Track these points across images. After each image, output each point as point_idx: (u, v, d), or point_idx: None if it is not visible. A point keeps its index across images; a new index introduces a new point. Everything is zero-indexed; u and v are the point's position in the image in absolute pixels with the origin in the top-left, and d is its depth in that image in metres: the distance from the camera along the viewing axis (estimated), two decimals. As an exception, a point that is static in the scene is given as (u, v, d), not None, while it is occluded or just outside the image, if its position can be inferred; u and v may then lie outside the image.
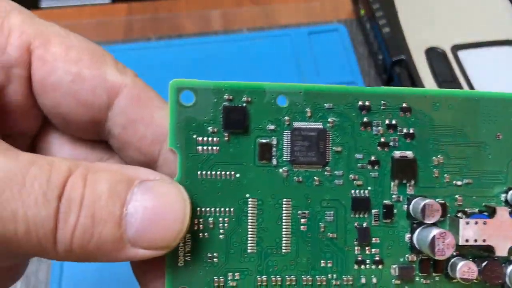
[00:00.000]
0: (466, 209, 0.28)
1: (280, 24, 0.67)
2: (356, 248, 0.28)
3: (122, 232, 0.23)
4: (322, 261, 0.28)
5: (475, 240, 0.27)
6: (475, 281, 0.28)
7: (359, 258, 0.28)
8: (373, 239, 0.28)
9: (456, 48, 0.57)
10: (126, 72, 0.27)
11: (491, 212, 0.28)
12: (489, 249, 0.28)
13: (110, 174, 0.23)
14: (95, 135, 0.28)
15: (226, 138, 0.27)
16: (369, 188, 0.28)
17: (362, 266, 0.28)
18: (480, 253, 0.28)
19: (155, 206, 0.23)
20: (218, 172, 0.27)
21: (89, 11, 0.69)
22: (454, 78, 0.54)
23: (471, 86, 0.51)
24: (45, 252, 0.22)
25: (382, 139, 0.28)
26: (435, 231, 0.26)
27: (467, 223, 0.27)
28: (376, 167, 0.28)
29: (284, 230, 0.27)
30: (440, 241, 0.26)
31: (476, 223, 0.27)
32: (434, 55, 0.56)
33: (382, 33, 0.58)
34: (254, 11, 0.69)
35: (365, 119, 0.28)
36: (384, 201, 0.28)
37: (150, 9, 0.69)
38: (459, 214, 0.28)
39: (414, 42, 0.57)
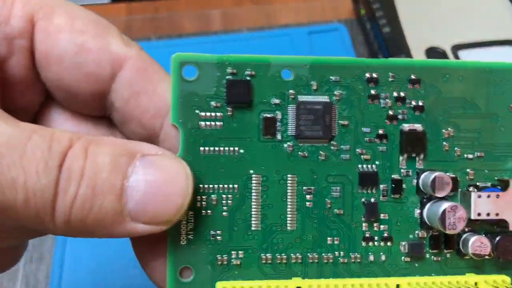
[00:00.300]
0: (478, 183, 0.27)
1: (280, 24, 0.67)
2: (363, 224, 0.27)
3: (122, 205, 0.22)
4: (328, 238, 0.27)
5: (488, 214, 0.26)
6: (487, 257, 0.27)
7: (367, 235, 0.27)
8: (381, 215, 0.27)
9: (456, 48, 0.56)
10: (131, 44, 0.26)
11: (504, 186, 0.27)
12: (502, 224, 0.27)
13: (111, 147, 0.23)
14: (98, 109, 0.27)
15: (229, 113, 0.26)
16: (377, 162, 0.27)
17: (370, 243, 0.27)
18: (493, 228, 0.27)
19: (157, 180, 0.23)
20: (222, 148, 0.26)
21: None
22: (455, 78, 0.54)
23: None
24: (43, 223, 0.22)
25: (390, 112, 0.27)
26: (445, 204, 0.25)
27: (479, 196, 0.26)
28: (384, 141, 0.27)
29: (289, 206, 0.27)
30: (451, 214, 0.25)
31: (489, 196, 0.26)
32: (434, 55, 0.55)
33: (382, 33, 0.58)
34: (254, 10, 0.68)
35: (372, 92, 0.27)
36: (393, 176, 0.27)
37: (149, 9, 0.68)
38: (471, 189, 0.27)
39: (414, 42, 0.57)
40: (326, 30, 0.64)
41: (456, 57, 0.55)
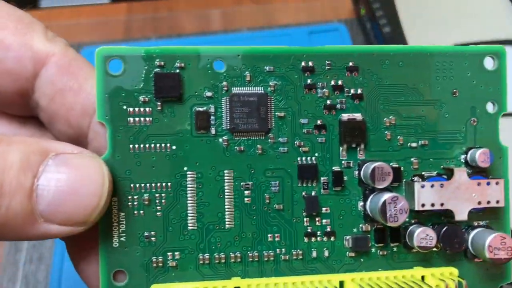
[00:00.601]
0: (423, 173, 0.26)
1: (280, 24, 0.66)
2: (305, 219, 0.26)
3: (33, 205, 0.21)
4: (269, 235, 0.26)
5: (432, 205, 0.25)
6: (435, 249, 0.26)
7: (309, 230, 0.26)
8: (323, 208, 0.26)
9: (456, 48, 0.56)
10: (56, 40, 0.25)
11: (450, 174, 0.26)
12: (449, 214, 0.26)
13: (24, 145, 0.21)
14: (24, 109, 0.26)
15: (159, 108, 0.25)
16: (316, 154, 0.26)
17: (313, 239, 0.26)
18: (441, 219, 0.26)
19: (70, 179, 0.21)
20: (152, 145, 0.25)
21: (88, 11, 0.67)
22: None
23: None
24: None
25: (328, 102, 0.26)
26: (386, 196, 0.24)
27: (423, 186, 0.25)
28: (323, 132, 0.26)
29: (226, 203, 0.25)
30: (392, 206, 0.24)
31: (432, 186, 0.25)
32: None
33: (383, 32, 0.58)
34: (254, 10, 0.68)
35: (309, 81, 0.26)
36: (333, 168, 0.26)
37: (149, 8, 0.68)
38: (415, 178, 0.26)
39: (414, 41, 0.56)
40: (326, 30, 0.63)
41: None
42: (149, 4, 0.67)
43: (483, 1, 0.59)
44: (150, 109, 0.25)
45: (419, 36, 0.57)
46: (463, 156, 0.27)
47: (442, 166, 0.27)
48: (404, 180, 0.26)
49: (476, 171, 0.26)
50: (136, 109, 0.25)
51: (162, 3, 0.68)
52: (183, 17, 0.67)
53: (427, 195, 0.25)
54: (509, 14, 0.58)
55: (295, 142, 0.26)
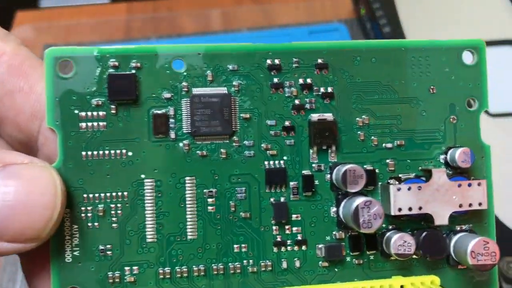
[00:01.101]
0: (399, 175, 0.25)
1: (280, 24, 0.66)
2: (273, 227, 0.24)
3: None
4: (235, 246, 0.24)
5: (410, 209, 0.23)
6: (415, 256, 0.24)
7: (278, 239, 0.24)
8: (293, 216, 0.24)
9: (456, 48, 0.56)
10: (7, 39, 0.24)
11: (428, 176, 0.24)
12: (428, 218, 0.24)
13: None
14: None
15: (113, 111, 0.23)
16: (284, 158, 0.24)
17: (282, 248, 0.24)
18: (420, 224, 0.25)
19: (19, 191, 0.20)
20: (106, 152, 0.23)
21: (88, 10, 0.67)
22: (455, 78, 0.53)
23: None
24: None
25: (297, 102, 0.24)
26: (358, 200, 0.23)
27: (399, 189, 0.23)
28: (291, 134, 0.24)
29: (188, 213, 0.24)
30: (365, 211, 0.22)
31: (409, 188, 0.24)
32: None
33: (383, 32, 0.57)
34: (254, 10, 0.67)
35: (275, 80, 0.24)
36: (303, 172, 0.24)
37: (149, 8, 0.67)
38: (391, 181, 0.24)
39: None
40: (326, 30, 0.63)
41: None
42: (149, 4, 0.67)
43: (483, 1, 0.59)
44: (104, 113, 0.23)
45: (419, 36, 0.56)
46: (442, 156, 0.25)
47: (420, 168, 0.25)
48: (379, 183, 0.25)
49: (457, 172, 0.25)
50: (89, 113, 0.23)
51: (162, 3, 0.67)
52: (183, 17, 0.66)
53: (404, 199, 0.23)
54: (509, 14, 0.58)
55: (262, 145, 0.24)
